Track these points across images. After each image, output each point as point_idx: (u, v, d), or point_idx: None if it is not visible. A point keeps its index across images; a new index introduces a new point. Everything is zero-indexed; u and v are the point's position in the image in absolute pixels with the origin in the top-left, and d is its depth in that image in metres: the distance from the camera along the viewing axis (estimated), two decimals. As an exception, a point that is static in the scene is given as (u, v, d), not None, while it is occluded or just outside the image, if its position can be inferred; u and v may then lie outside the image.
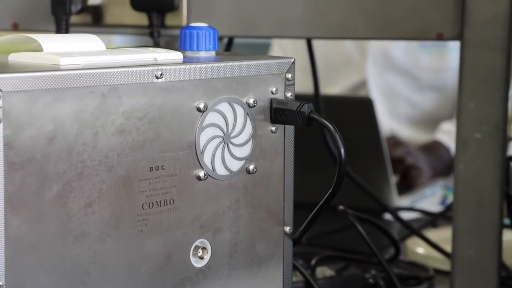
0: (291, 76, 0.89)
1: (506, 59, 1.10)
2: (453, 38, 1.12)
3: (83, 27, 1.19)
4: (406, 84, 1.99)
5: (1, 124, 0.71)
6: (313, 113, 0.87)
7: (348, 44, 1.99)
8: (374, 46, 1.98)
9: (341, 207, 1.14)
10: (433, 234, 1.36)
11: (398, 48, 1.98)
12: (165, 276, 0.82)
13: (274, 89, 0.88)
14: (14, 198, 0.72)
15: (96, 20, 1.21)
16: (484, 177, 1.12)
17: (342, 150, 0.85)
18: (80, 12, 1.15)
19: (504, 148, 1.12)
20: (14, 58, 0.82)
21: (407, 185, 1.76)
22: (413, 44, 1.95)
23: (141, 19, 1.18)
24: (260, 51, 2.03)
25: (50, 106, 0.74)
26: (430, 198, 1.75)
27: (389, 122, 1.90)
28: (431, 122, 1.98)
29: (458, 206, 1.13)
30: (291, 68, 0.89)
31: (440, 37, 1.14)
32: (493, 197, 1.12)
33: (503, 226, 1.15)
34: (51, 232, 0.74)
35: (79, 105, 0.75)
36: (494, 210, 1.12)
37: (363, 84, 2.00)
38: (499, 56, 1.10)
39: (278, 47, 2.11)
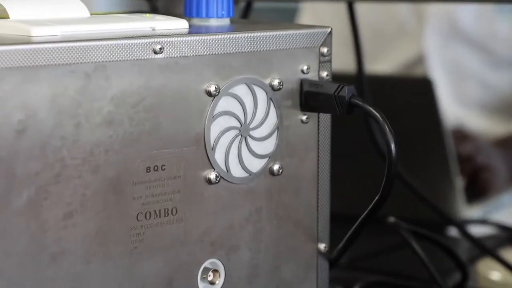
0: (327, 51, 0.80)
1: None
2: None
3: None
4: (477, 60, 1.86)
5: None
6: (355, 98, 0.78)
7: (401, 8, 1.88)
8: (436, 10, 1.86)
9: (392, 219, 1.04)
10: (511, 254, 1.28)
11: (468, 13, 1.85)
12: None
13: (305, 67, 0.79)
14: None
15: None
16: None
17: (393, 146, 0.77)
18: None
19: None
20: None
21: (478, 191, 1.64)
22: (488, 8, 1.83)
23: None
24: (287, 18, 1.99)
25: (19, 89, 0.67)
26: (509, 208, 1.63)
27: (455, 109, 1.78)
28: (510, 109, 1.85)
29: None
30: (327, 40, 0.81)
31: None
32: None
33: None
34: (20, 251, 0.67)
35: (56, 88, 0.68)
36: None
37: (420, 59, 1.88)
38: None
39: (311, 12, 2.02)
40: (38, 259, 0.68)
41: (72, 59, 0.68)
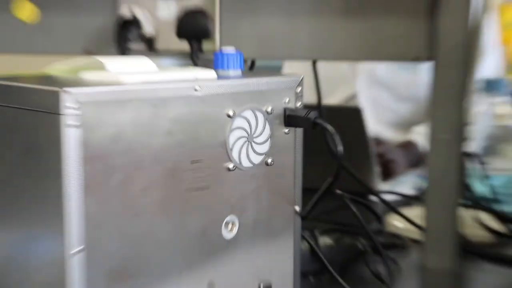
0: (300, 90, 0.91)
1: (464, 76, 1.14)
2: (426, 60, 1.16)
3: (138, 52, 1.19)
4: (387, 96, 2.02)
5: (76, 127, 0.73)
6: (317, 119, 0.89)
7: (343, 65, 2.02)
8: (363, 66, 2.01)
9: (338, 191, 1.16)
10: (408, 211, 1.38)
11: (381, 68, 2.01)
12: (202, 245, 0.85)
13: (287, 100, 0.90)
14: (87, 185, 0.75)
15: (149, 47, 1.21)
16: (449, 168, 1.16)
17: (340, 148, 0.89)
18: (136, 40, 1.16)
19: (462, 145, 1.16)
20: (86, 76, 0.84)
21: (387, 174, 1.79)
22: (394, 65, 1.98)
23: (184, 45, 1.19)
24: (276, 70, 2.03)
25: (114, 114, 0.76)
26: (405, 184, 1.77)
27: (374, 126, 1.92)
28: (406, 126, 2.02)
29: (429, 190, 1.18)
30: (301, 83, 0.91)
31: (416, 59, 1.17)
32: (454, 183, 1.17)
33: (462, 205, 1.20)
34: (116, 211, 0.77)
35: (136, 113, 0.78)
36: (454, 191, 1.17)
37: (354, 96, 2.02)
38: (459, 74, 1.14)
39: (288, 68, 2.10)
40: (126, 216, 0.78)
41: (145, 95, 0.79)
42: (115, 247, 0.78)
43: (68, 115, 0.73)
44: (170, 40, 1.21)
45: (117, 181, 0.78)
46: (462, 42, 1.12)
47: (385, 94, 2.03)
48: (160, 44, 1.22)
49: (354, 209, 1.16)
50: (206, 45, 1.19)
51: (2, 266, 0.83)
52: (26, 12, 1.09)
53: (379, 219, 1.33)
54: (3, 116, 0.81)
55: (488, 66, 1.95)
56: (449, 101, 1.14)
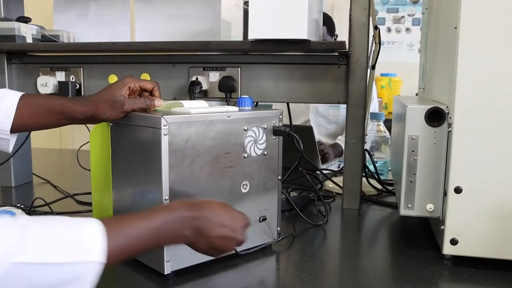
0: (281, 117, 0.89)
1: (364, 111, 1.13)
2: (344, 103, 1.14)
3: (199, 98, 1.17)
4: (324, 121, 2.02)
5: (167, 135, 0.75)
6: (290, 132, 0.87)
7: (301, 105, 2.01)
8: (311, 105, 2.00)
9: (300, 168, 1.15)
10: (335, 179, 1.35)
11: (321, 106, 2.00)
12: (231, 196, 0.84)
13: (274, 122, 0.88)
14: (172, 164, 0.76)
15: (204, 95, 1.19)
16: (356, 156, 1.16)
17: (301, 146, 0.88)
18: (199, 92, 1.14)
19: (363, 145, 1.15)
20: (173, 109, 0.83)
21: (324, 160, 1.78)
22: (326, 105, 1.98)
23: (222, 95, 1.17)
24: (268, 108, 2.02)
25: (186, 128, 0.77)
26: (333, 165, 1.77)
27: (317, 136, 1.92)
28: (334, 136, 2.01)
29: (345, 168, 1.17)
30: (281, 113, 0.89)
31: (339, 102, 1.15)
32: (358, 165, 1.16)
33: (362, 175, 1.18)
34: (186, 178, 0.77)
35: (197, 128, 0.78)
36: (359, 168, 1.16)
37: (308, 121, 2.01)
38: (361, 110, 1.13)
39: (275, 106, 2.17)
40: (191, 182, 0.78)
41: (202, 118, 0.79)
42: (185, 197, 0.79)
43: (164, 129, 0.75)
44: (215, 92, 1.18)
45: (187, 163, 0.78)
46: (363, 93, 1.13)
47: (323, 120, 2.04)
48: (210, 94, 1.19)
49: (308, 178, 1.15)
50: (233, 94, 1.17)
51: (131, 202, 0.83)
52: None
53: (320, 183, 1.31)
54: (132, 130, 0.82)
55: (373, 106, 1.98)
56: (355, 123, 1.14)
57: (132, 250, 0.57)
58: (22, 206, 1.07)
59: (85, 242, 0.51)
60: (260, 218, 0.90)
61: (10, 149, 0.81)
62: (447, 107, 0.80)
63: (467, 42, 0.75)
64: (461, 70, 0.76)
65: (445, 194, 0.81)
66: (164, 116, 0.75)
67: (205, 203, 0.66)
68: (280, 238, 0.93)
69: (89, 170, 0.96)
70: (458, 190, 0.78)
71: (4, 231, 0.47)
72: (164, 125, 0.75)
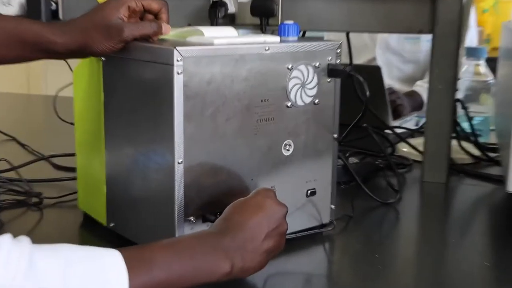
0: (339, 51, 0.91)
1: (456, 44, 1.15)
2: (428, 33, 1.16)
3: (224, 25, 1.17)
4: (397, 60, 2.02)
5: (182, 74, 0.77)
6: (351, 72, 0.89)
7: (366, 36, 2.03)
8: (379, 37, 2.01)
9: (364, 125, 1.15)
10: (411, 141, 1.38)
11: (392, 39, 2.00)
12: (268, 159, 0.87)
13: (329, 58, 0.90)
14: (188, 114, 0.78)
15: (231, 20, 1.23)
16: (442, 109, 1.17)
17: (367, 93, 0.90)
18: (223, 16, 1.16)
19: (453, 94, 1.17)
20: (190, 39, 0.86)
21: (397, 115, 1.80)
22: (401, 36, 1.98)
23: (256, 20, 1.18)
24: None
25: (208, 65, 0.79)
26: (409, 122, 1.79)
27: (387, 80, 1.92)
28: (410, 80, 2.02)
29: (427, 125, 1.19)
30: (340, 46, 0.92)
31: (421, 32, 1.17)
32: (447, 121, 1.18)
33: (451, 137, 1.21)
34: (208, 133, 0.80)
35: (223, 65, 0.80)
36: (447, 128, 1.19)
37: (374, 59, 2.02)
38: (452, 43, 1.15)
39: (328, 37, 2.17)
40: (215, 137, 0.81)
41: (230, 52, 0.81)
42: (206, 160, 0.82)
43: (178, 65, 0.77)
44: (246, 17, 1.20)
45: (209, 113, 0.81)
46: (456, 19, 1.13)
47: (395, 58, 2.04)
48: (238, 20, 1.21)
49: (376, 137, 1.16)
50: (271, 20, 1.17)
51: (131, 167, 0.87)
52: None
53: (391, 145, 1.34)
54: (132, 68, 0.85)
55: (470, 38, 1.96)
56: (443, 62, 1.15)
57: None
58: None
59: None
60: (307, 192, 0.93)
61: None
62: None
63: None
64: None
65: None
66: (178, 48, 0.77)
67: (232, 217, 0.72)
68: (335, 219, 0.96)
69: (72, 124, 0.99)
70: None
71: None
72: (178, 60, 0.77)
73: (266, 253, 0.72)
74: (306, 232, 0.93)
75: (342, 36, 1.36)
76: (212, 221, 0.80)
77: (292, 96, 0.88)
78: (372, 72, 1.56)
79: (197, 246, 0.67)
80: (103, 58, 0.88)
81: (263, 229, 0.71)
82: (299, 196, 0.92)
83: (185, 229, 0.81)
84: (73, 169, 1.09)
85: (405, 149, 1.37)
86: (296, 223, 0.91)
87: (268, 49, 0.85)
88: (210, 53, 0.80)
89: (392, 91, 1.90)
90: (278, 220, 0.73)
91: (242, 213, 0.73)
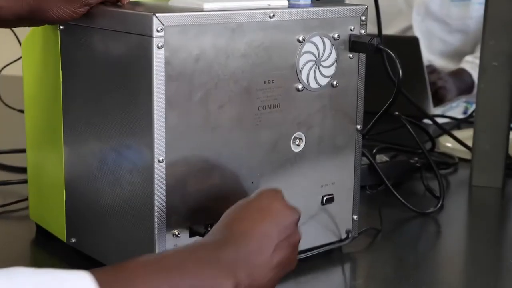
0: (365, 18, 0.92)
1: None
2: None
3: None
4: (439, 28, 2.03)
5: (163, 48, 0.77)
6: (380, 45, 0.90)
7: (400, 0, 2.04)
8: (417, 0, 2.02)
9: (396, 113, 1.17)
10: (458, 133, 1.40)
11: (435, 2, 2.02)
12: (273, 157, 0.88)
13: (352, 27, 0.91)
14: (171, 100, 0.79)
15: None
16: (498, 93, 1.18)
17: (400, 72, 0.90)
18: None
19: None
20: (172, 3, 0.86)
21: (438, 100, 1.80)
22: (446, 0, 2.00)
23: None
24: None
25: (196, 37, 0.79)
26: (456, 109, 1.78)
27: (427, 55, 1.93)
28: (457, 55, 2.03)
29: (478, 114, 1.21)
30: (365, 12, 0.93)
31: None
32: (504, 107, 1.19)
33: (510, 128, 1.21)
34: (196, 124, 0.81)
35: (216, 36, 0.81)
36: (504, 117, 1.19)
37: (410, 28, 2.03)
38: (510, 7, 1.15)
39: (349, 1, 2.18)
40: (205, 129, 0.82)
41: (224, 20, 0.81)
42: (193, 159, 0.82)
43: (158, 37, 0.77)
44: None
45: (198, 98, 0.81)
46: None
47: (438, 26, 2.05)
48: None
49: (410, 129, 1.17)
50: None
51: (98, 167, 0.88)
52: None
53: (432, 139, 1.35)
54: (99, 39, 0.85)
55: None
56: (499, 32, 1.16)
57: None
58: None
59: None
60: (323, 199, 0.94)
61: None
62: None
63: None
64: None
65: None
66: (157, 15, 0.77)
67: (233, 224, 0.72)
68: (358, 233, 0.97)
69: (21, 111, 1.03)
70: None
71: None
72: (158, 31, 0.77)
73: (277, 268, 0.71)
74: (321, 250, 0.94)
75: (366, 1, 1.37)
76: (202, 235, 0.81)
77: (303, 76, 0.89)
78: (408, 45, 1.57)
79: (189, 262, 0.66)
80: (61, 27, 0.89)
81: (272, 239, 0.71)
82: (312, 204, 0.93)
83: (168, 245, 0.82)
84: (23, 170, 1.11)
85: (449, 144, 1.38)
86: (309, 239, 0.91)
87: (274, 16, 0.85)
88: (199, 21, 0.80)
89: (433, 70, 1.90)
90: (289, 228, 0.73)
91: (245, 218, 0.72)
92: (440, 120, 1.50)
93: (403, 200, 1.09)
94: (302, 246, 0.85)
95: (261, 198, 0.75)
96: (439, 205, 1.12)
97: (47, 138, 0.96)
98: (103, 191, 0.88)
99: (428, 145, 1.34)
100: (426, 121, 1.47)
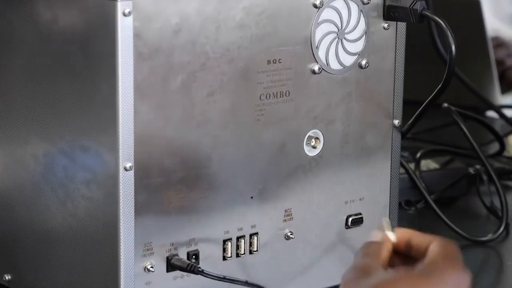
0: None
1: None
2: None
3: None
4: None
5: (131, 16, 0.77)
6: (425, 10, 0.91)
7: None
8: None
9: (446, 105, 1.18)
10: None
11: None
12: (279, 163, 0.89)
13: None
14: (142, 86, 0.79)
15: None
16: None
17: (453, 48, 0.91)
18: None
19: None
20: None
21: (508, 84, 1.82)
22: None
23: None
24: None
25: (176, 2, 0.80)
26: None
27: (492, 23, 1.93)
28: None
29: None
30: None
31: None
32: None
33: None
34: (176, 119, 0.82)
35: (202, 1, 0.82)
36: None
37: None
38: None
39: None
40: (188, 125, 0.83)
41: None
42: (172, 166, 0.84)
43: (123, 1, 0.78)
44: None
45: (178, 84, 0.82)
46: None
47: None
48: None
49: (463, 126, 1.17)
50: None
51: (42, 178, 0.89)
52: None
53: (499, 139, 1.35)
54: (45, 6, 0.86)
55: None
56: None
57: None
58: None
59: None
60: (347, 220, 0.96)
61: None
62: None
63: None
64: None
65: None
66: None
67: None
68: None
69: None
70: None
71: None
72: (125, -8, 0.77)
73: None
74: None
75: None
76: (184, 268, 0.82)
77: (321, 54, 0.91)
78: (465, 10, 1.59)
79: None
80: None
81: None
82: (333, 227, 0.94)
83: (138, 282, 0.83)
84: None
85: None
86: (331, 272, 0.93)
87: (281, -27, 0.86)
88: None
89: (500, 43, 1.93)
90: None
91: None
92: (510, 113, 1.50)
93: (450, 223, 1.11)
94: (321, 285, 0.89)
95: (436, 259, 0.70)
96: (501, 229, 1.12)
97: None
98: (48, 210, 0.88)
99: (495, 147, 1.34)
100: (491, 114, 1.50)
